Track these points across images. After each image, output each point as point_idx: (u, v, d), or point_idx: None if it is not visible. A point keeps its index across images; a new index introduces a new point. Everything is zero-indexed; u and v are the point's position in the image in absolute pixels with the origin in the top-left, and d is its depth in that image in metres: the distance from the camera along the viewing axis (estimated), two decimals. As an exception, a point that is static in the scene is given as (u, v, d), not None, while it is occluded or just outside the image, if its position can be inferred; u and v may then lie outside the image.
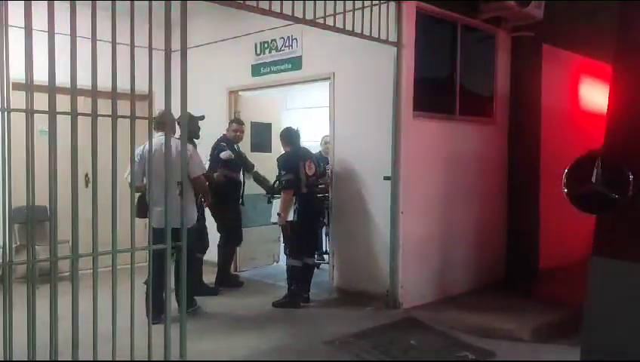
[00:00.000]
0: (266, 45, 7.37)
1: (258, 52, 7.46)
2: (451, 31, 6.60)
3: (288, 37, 7.06)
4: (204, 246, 6.67)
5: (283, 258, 7.86)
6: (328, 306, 6.27)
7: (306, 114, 9.60)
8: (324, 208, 6.84)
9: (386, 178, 6.00)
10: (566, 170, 2.54)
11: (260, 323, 5.68)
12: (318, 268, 7.25)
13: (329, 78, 6.62)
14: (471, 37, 6.81)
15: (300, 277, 6.23)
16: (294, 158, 6.29)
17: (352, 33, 5.53)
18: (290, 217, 6.15)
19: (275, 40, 7.24)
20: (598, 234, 2.57)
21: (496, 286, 6.99)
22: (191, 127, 6.51)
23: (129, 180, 4.74)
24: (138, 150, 5.08)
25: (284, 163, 6.31)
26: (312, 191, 6.37)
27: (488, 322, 5.67)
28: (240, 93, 7.88)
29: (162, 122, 4.74)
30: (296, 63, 7.00)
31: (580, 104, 8.61)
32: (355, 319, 5.73)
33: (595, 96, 9.04)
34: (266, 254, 7.93)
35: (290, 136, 6.47)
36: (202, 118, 6.33)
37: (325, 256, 7.77)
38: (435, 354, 5.00)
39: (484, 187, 7.04)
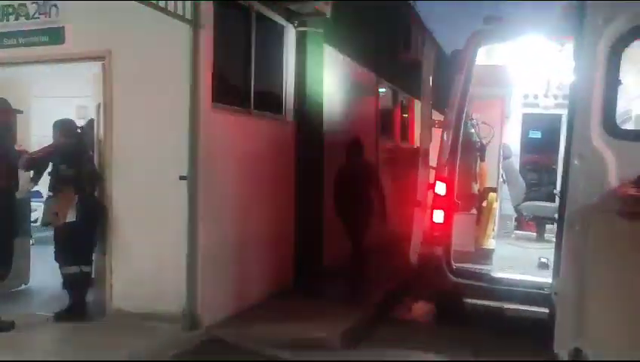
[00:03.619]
0: (10, 10, 5.79)
1: (-1, 18, 5.81)
2: (246, 18, 6.04)
3: (45, 2, 5.63)
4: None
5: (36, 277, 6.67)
6: (110, 333, 5.10)
7: (64, 103, 7.96)
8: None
9: (182, 178, 5.14)
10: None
11: None
12: None
13: (103, 58, 5.45)
14: (265, 27, 6.36)
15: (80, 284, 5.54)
16: None
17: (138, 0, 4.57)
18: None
19: (24, 4, 5.72)
20: None
21: (290, 289, 6.71)
22: None
23: None
24: None
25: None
26: None
27: (297, 332, 5.29)
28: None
29: None
30: (55, 36, 5.61)
31: (353, 106, 8.91)
32: (149, 348, 4.74)
33: (364, 101, 9.55)
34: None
35: None
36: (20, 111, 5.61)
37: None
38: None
39: (276, 186, 6.68)
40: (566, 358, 3.04)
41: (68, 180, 5.43)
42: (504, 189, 7.36)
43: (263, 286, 6.30)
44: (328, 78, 7.73)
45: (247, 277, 5.99)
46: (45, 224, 5.68)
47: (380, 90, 10.58)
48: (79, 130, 5.81)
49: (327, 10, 6.78)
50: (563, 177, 3.38)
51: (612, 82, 3.27)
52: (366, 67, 9.51)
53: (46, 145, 5.72)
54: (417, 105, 12.44)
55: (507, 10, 5.64)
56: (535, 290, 4.81)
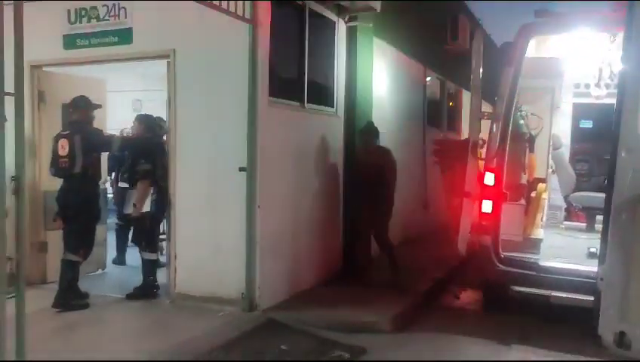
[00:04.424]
0: (83, 13, 6.21)
1: (73, 20, 6.26)
2: (300, 15, 6.30)
3: (114, 5, 6.03)
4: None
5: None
6: (177, 315, 5.52)
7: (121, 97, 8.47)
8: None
9: (242, 169, 5.47)
10: None
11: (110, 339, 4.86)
12: None
13: (168, 56, 5.81)
14: (317, 24, 6.60)
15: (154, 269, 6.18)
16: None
17: (201, 1, 4.89)
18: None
19: (95, 7, 6.14)
20: None
21: (338, 276, 6.94)
22: (80, 115, 5.78)
23: None
24: None
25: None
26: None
27: (349, 316, 5.55)
28: (46, 68, 6.54)
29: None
30: (124, 36, 6.00)
31: (401, 98, 9.07)
32: (214, 328, 5.11)
33: (411, 92, 9.67)
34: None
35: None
36: (99, 106, 5.98)
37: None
38: (309, 357, 4.69)
39: (326, 177, 6.92)
40: (610, 341, 3.19)
41: (146, 174, 5.93)
42: (553, 180, 7.38)
43: (314, 272, 6.58)
44: (377, 70, 7.92)
45: (300, 264, 6.29)
46: (125, 214, 6.28)
47: (427, 79, 10.67)
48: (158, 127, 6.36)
49: (377, 5, 6.96)
50: (610, 167, 3.49)
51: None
52: (414, 58, 9.64)
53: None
54: (465, 96, 12.46)
55: (557, 4, 5.68)
56: (582, 279, 4.90)
